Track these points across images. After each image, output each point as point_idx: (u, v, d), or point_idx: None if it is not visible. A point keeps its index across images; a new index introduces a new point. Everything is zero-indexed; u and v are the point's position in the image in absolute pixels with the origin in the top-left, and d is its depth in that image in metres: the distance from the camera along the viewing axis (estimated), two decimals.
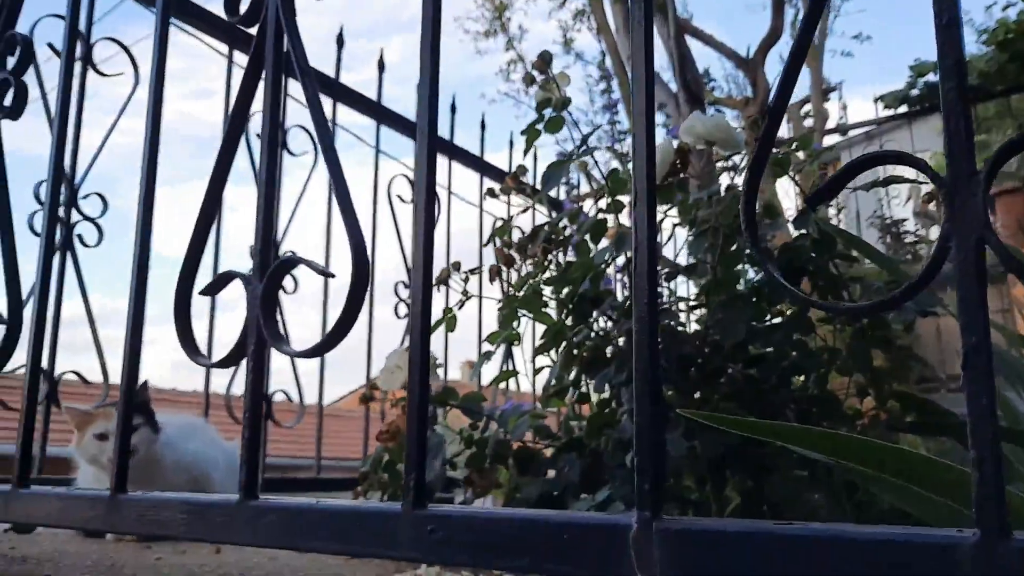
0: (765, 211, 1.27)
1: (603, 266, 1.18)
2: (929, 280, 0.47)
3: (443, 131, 3.01)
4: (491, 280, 1.24)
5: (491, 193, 1.37)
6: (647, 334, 0.55)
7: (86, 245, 1.86)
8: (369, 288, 2.62)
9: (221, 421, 2.02)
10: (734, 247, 1.22)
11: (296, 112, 2.36)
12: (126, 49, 1.98)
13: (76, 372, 1.89)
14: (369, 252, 2.43)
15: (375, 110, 2.75)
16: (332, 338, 0.73)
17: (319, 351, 0.75)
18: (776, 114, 0.52)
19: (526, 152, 1.23)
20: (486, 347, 1.47)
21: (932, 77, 6.19)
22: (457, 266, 1.44)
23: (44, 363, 1.19)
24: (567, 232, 1.39)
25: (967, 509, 0.83)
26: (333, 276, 0.75)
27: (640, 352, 0.55)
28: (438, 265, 1.44)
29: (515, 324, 1.29)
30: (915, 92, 6.28)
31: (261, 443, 0.76)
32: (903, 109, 6.28)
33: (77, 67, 1.81)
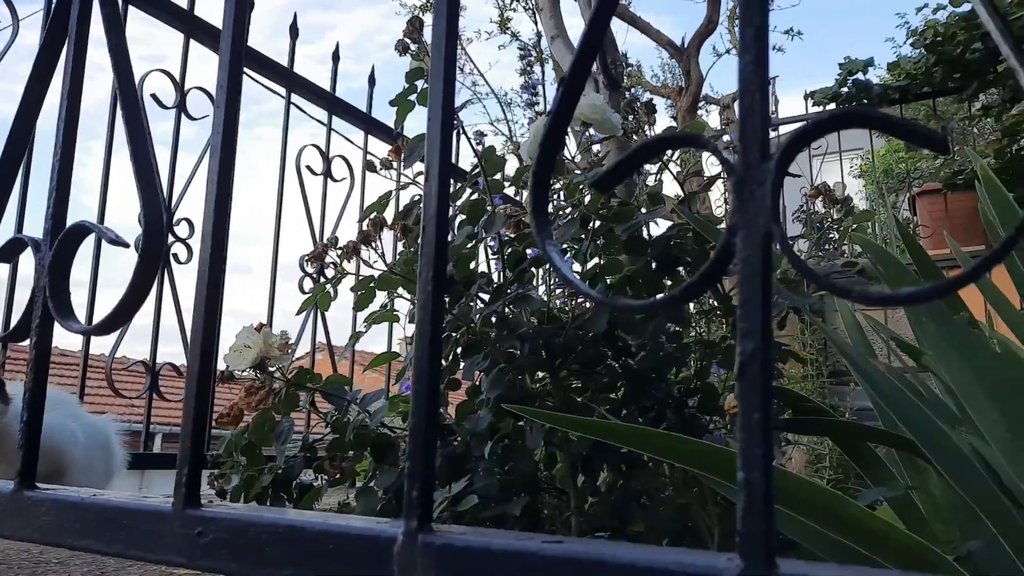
0: (650, 199, 1.22)
1: (469, 248, 1.12)
2: (709, 280, 0.41)
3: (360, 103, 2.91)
4: (347, 258, 1.17)
5: (370, 167, 1.29)
6: (429, 323, 0.49)
7: None
8: (273, 262, 2.54)
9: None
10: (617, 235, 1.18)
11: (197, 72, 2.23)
12: None
13: None
14: (275, 224, 2.28)
15: (287, 76, 2.64)
16: (118, 314, 0.66)
17: (106, 328, 0.67)
18: (571, 87, 0.46)
19: (398, 124, 1.16)
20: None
21: (861, 76, 6.27)
22: (334, 242, 1.36)
23: None
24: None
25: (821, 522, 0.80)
26: (127, 246, 0.67)
27: (420, 343, 0.49)
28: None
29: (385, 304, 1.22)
30: (844, 90, 6.34)
31: (40, 428, 0.68)
32: (832, 106, 6.33)
33: None
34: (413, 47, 1.13)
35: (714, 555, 0.40)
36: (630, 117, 1.16)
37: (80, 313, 0.76)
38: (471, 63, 12.81)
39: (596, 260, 1.26)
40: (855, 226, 1.28)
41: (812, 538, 0.84)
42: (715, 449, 0.77)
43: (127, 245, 0.67)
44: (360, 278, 1.20)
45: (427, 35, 1.14)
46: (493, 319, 1.15)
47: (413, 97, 1.16)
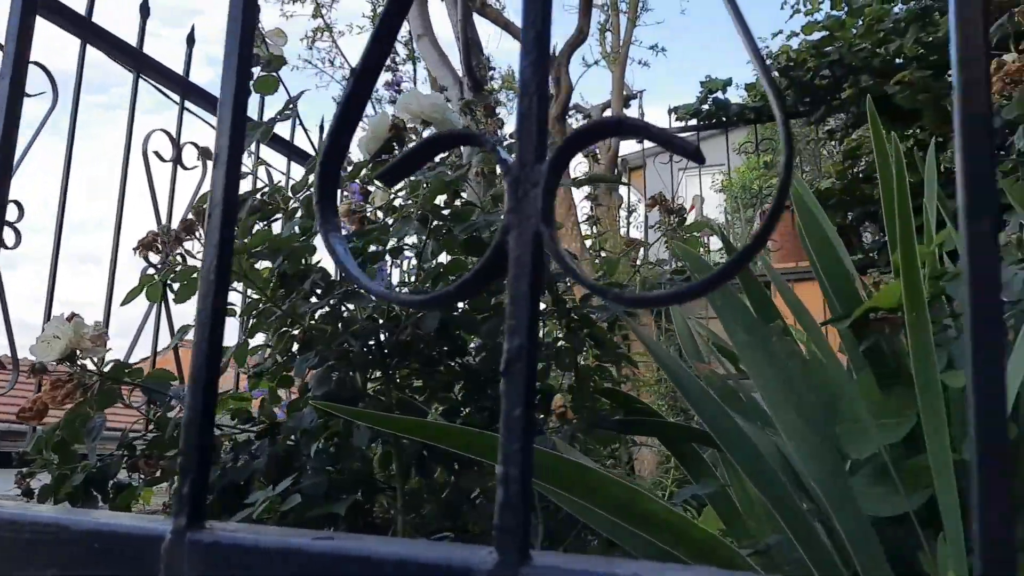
0: (492, 200, 1.23)
1: (300, 242, 1.09)
2: (483, 277, 0.42)
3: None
4: (172, 248, 1.12)
5: (208, 155, 1.24)
6: (210, 313, 0.48)
7: None
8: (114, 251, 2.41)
9: None
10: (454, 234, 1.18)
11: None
12: None
13: None
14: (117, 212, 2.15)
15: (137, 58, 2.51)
16: None
17: None
18: (362, 75, 0.46)
19: None
20: None
21: (720, 95, 6.57)
22: (166, 230, 1.30)
23: None
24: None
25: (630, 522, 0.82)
26: None
27: (200, 333, 0.48)
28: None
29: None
30: (705, 107, 6.63)
31: None
32: (694, 122, 6.61)
33: None
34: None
35: (475, 549, 0.40)
36: (468, 117, 1.16)
37: None
38: (342, 56, 12.59)
39: (437, 261, 1.26)
40: (686, 237, 1.33)
41: (625, 536, 0.87)
42: (534, 450, 0.79)
43: None
44: (184, 267, 1.15)
45: (268, 24, 1.10)
46: (328, 314, 1.12)
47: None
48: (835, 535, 0.91)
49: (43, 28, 2.13)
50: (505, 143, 1.26)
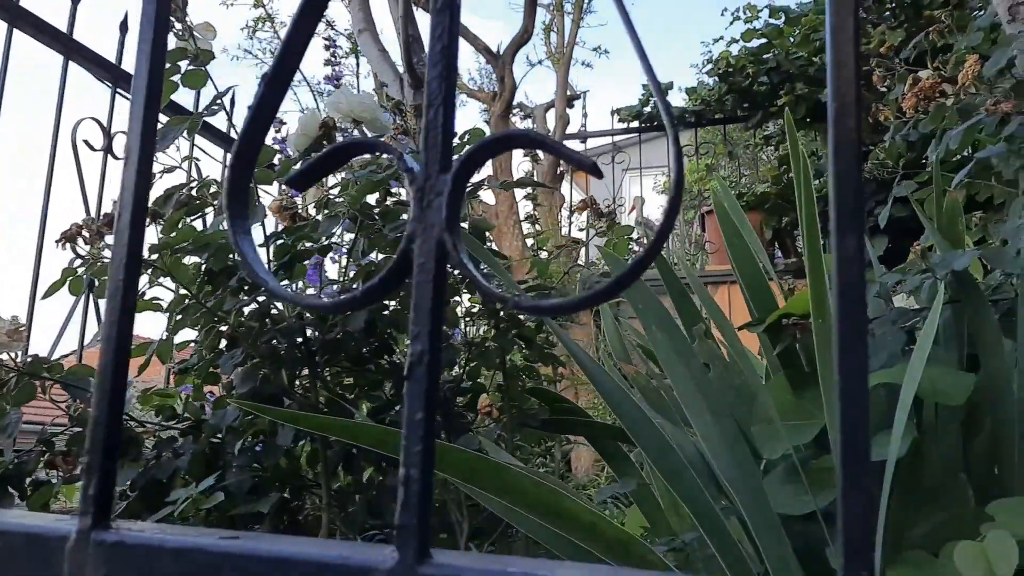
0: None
1: (225, 239, 1.09)
2: (390, 284, 0.43)
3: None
4: (94, 241, 1.10)
5: (106, 149, 1.22)
6: (118, 311, 0.48)
7: None
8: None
9: None
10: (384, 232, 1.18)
11: None
12: None
13: None
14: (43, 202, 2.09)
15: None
16: None
17: None
18: (275, 74, 0.46)
19: (164, 100, 1.11)
20: None
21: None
22: (90, 222, 1.27)
23: None
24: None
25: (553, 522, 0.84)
26: None
27: (107, 330, 0.48)
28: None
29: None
30: (647, 109, 6.71)
31: None
32: (636, 123, 6.69)
33: None
34: (177, 26, 1.09)
35: (377, 548, 0.41)
36: (396, 118, 1.17)
37: None
38: None
39: (370, 258, 1.26)
40: (614, 240, 1.36)
41: (545, 534, 0.89)
42: (454, 450, 0.80)
43: None
44: (101, 263, 1.13)
45: (197, 16, 1.09)
46: (253, 312, 1.12)
47: (176, 78, 1.11)
48: (749, 532, 0.94)
49: None
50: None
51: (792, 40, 6.27)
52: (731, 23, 6.51)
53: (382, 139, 1.13)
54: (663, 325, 0.92)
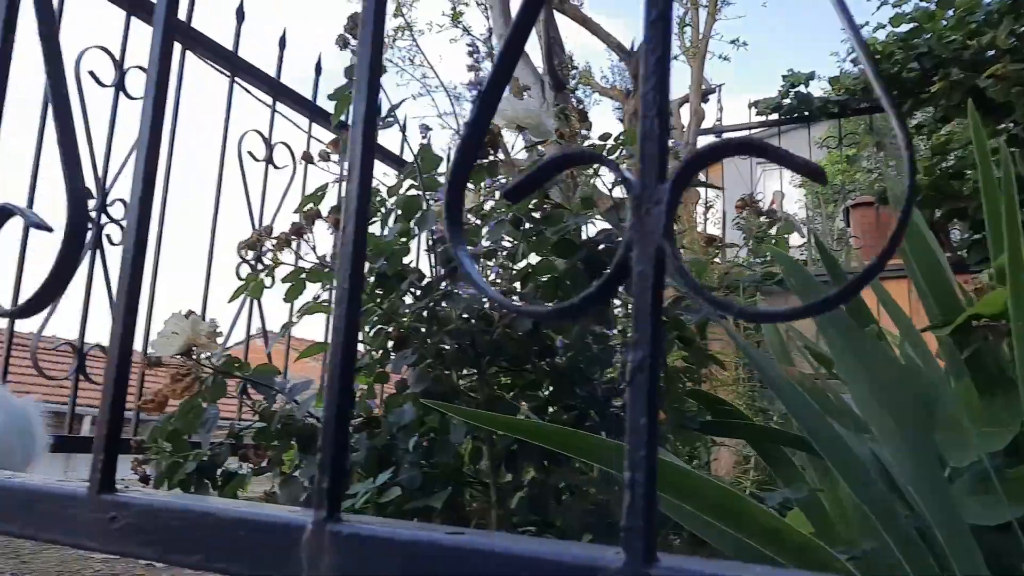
0: (582, 203, 1.25)
1: (400, 244, 1.13)
2: (607, 291, 0.44)
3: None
4: (279, 249, 1.18)
5: (308, 158, 1.29)
6: (344, 319, 0.51)
7: None
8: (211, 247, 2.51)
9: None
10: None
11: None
12: None
13: None
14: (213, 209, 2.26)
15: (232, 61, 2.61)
16: (38, 299, 0.66)
17: (25, 312, 0.67)
18: (488, 96, 0.49)
19: (335, 119, 1.17)
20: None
21: (803, 88, 6.41)
22: (269, 231, 1.36)
23: None
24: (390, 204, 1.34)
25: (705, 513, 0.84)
26: (50, 230, 0.67)
27: (336, 338, 0.51)
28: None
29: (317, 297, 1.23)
30: (787, 101, 6.48)
31: None
32: (775, 116, 6.48)
33: None
34: (353, 42, 1.14)
35: (602, 549, 0.43)
36: (560, 121, 1.19)
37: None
38: (422, 55, 12.75)
39: (526, 261, 1.28)
40: (775, 239, 1.33)
41: (717, 536, 0.88)
42: (624, 448, 0.81)
43: (50, 229, 0.67)
44: (294, 268, 1.20)
45: None
46: (425, 314, 1.16)
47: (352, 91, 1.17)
48: (932, 542, 0.90)
49: (140, 29, 2.23)
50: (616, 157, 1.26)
51: (945, 23, 5.90)
52: (878, 8, 6.18)
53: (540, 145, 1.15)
54: (841, 326, 0.89)
